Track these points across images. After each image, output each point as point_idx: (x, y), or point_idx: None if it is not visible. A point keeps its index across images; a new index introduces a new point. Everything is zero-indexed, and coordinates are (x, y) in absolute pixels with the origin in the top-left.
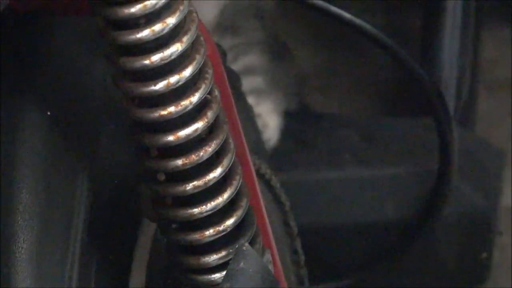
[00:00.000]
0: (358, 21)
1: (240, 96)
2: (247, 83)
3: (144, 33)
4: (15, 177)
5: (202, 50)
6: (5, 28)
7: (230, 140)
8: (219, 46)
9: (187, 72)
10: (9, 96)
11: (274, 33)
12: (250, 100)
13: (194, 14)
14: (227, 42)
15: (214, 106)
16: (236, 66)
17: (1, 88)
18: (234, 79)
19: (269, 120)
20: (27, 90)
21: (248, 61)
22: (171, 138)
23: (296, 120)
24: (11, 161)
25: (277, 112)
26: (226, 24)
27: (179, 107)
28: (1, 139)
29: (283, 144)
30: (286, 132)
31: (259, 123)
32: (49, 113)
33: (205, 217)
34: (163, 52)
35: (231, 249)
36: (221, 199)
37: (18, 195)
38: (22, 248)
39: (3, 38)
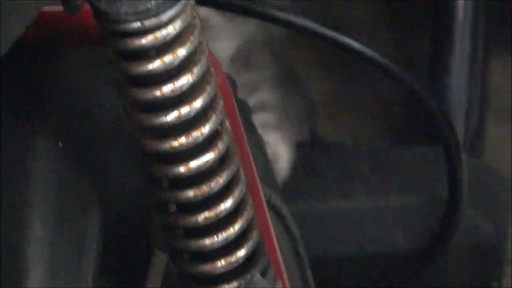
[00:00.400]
0: (367, 50)
1: (250, 127)
2: (259, 118)
3: (155, 65)
4: (26, 208)
5: (212, 81)
6: (16, 59)
7: (241, 171)
8: (229, 77)
9: (198, 103)
10: (20, 126)
11: (285, 64)
12: (261, 131)
13: (204, 45)
14: (240, 79)
15: (225, 137)
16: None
17: (12, 118)
18: (244, 109)
19: (280, 151)
20: (38, 120)
21: (260, 97)
22: (182, 169)
23: (306, 150)
24: (22, 192)
25: (288, 142)
26: (241, 60)
27: (190, 138)
28: (12, 169)
29: (294, 174)
30: (296, 162)
31: (269, 153)
32: (60, 144)
33: (217, 248)
34: (174, 83)
35: (243, 280)
36: (232, 230)
37: (29, 226)
38: (33, 279)
39: (15, 68)
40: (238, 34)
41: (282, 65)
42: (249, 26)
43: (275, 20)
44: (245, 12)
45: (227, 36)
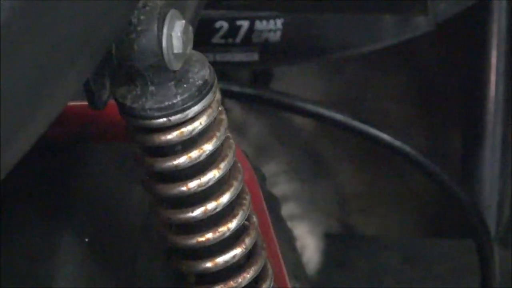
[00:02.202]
0: (397, 143)
1: (279, 219)
2: (285, 210)
3: (181, 160)
4: None
5: (239, 177)
6: (41, 154)
7: (269, 266)
8: (258, 170)
9: (225, 198)
10: (46, 223)
11: (312, 155)
12: (288, 223)
13: (231, 141)
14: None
15: (252, 232)
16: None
17: (40, 214)
18: (273, 202)
19: (308, 242)
20: (65, 216)
21: (285, 188)
22: (209, 264)
23: (336, 242)
24: None
25: (316, 233)
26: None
27: (217, 234)
28: (38, 267)
29: (323, 266)
30: (326, 254)
31: (298, 245)
32: (86, 240)
33: None
34: (200, 178)
35: None
36: None
37: None
38: None
39: (40, 164)
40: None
41: (309, 155)
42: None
43: (304, 113)
44: (275, 105)
45: (245, 128)
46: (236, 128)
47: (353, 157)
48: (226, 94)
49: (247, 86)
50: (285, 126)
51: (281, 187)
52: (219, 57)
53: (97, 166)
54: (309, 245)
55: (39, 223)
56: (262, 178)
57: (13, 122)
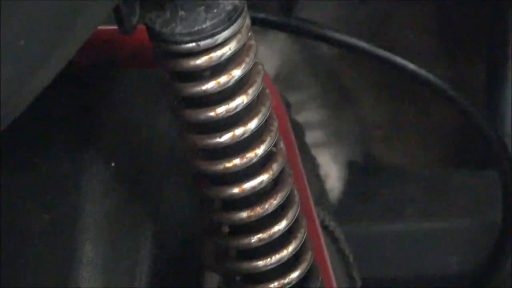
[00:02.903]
0: (422, 72)
1: (304, 147)
2: (308, 137)
3: (210, 85)
4: (78, 229)
5: (267, 103)
6: (69, 81)
7: (295, 193)
8: (284, 97)
9: (253, 124)
10: (74, 148)
11: (336, 84)
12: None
13: (260, 67)
14: (290, 97)
15: (279, 158)
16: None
17: (66, 139)
18: (298, 130)
19: (330, 170)
20: (92, 141)
21: (308, 116)
22: (236, 190)
23: (359, 172)
24: (75, 213)
25: (339, 161)
26: (285, 79)
27: (244, 160)
28: (64, 190)
29: (347, 195)
30: (349, 183)
31: (321, 173)
32: (113, 165)
33: (270, 270)
34: (228, 104)
35: None
36: (286, 252)
37: (81, 248)
38: None
39: (68, 89)
40: (276, 54)
41: (333, 84)
42: (286, 46)
43: (330, 41)
44: (301, 32)
45: (265, 57)
46: (262, 55)
47: (378, 87)
48: (252, 22)
49: (273, 14)
50: (310, 54)
51: (305, 115)
52: None
53: (125, 91)
54: (332, 174)
55: (66, 147)
56: (287, 105)
57: (45, 45)
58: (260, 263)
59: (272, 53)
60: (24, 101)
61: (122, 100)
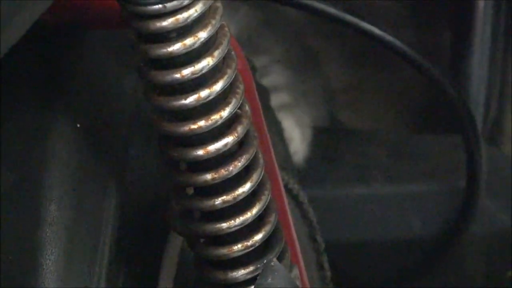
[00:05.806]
0: (388, 37)
1: (268, 111)
2: (273, 100)
3: (176, 47)
4: (43, 188)
5: (233, 65)
6: (36, 41)
7: (260, 155)
8: (249, 60)
9: (218, 86)
10: (39, 107)
11: (305, 47)
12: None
13: (226, 29)
14: (255, 60)
15: (245, 121)
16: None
17: (32, 99)
18: (263, 94)
19: (295, 134)
20: (57, 101)
21: (273, 80)
22: (200, 152)
23: (324, 135)
24: (40, 173)
25: (303, 125)
26: (249, 42)
27: (209, 122)
28: (30, 150)
29: (311, 159)
30: (314, 147)
31: (285, 136)
32: (78, 125)
33: (234, 232)
34: (194, 66)
35: (259, 264)
36: (249, 214)
37: (46, 207)
38: (49, 260)
39: (34, 50)
40: (248, 17)
41: (299, 47)
42: (258, 10)
43: (297, 5)
44: None
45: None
46: (226, 19)
47: (344, 52)
48: None
49: None
50: (276, 18)
51: (270, 78)
52: None
53: (92, 52)
54: (296, 137)
55: (32, 107)
56: (253, 69)
57: (11, 4)
58: (224, 225)
59: (235, 15)
60: None
61: (90, 61)
